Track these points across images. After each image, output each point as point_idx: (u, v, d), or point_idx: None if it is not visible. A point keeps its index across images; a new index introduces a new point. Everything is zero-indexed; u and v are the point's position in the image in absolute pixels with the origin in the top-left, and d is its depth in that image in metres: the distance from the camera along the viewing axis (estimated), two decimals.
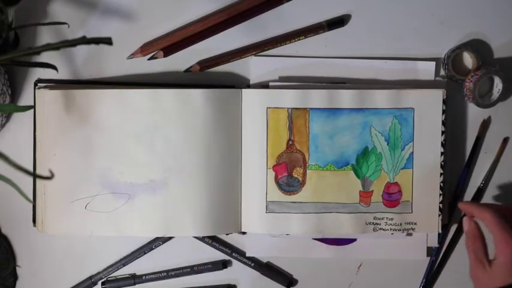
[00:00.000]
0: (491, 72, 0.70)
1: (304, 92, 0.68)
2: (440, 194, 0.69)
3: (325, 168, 0.69)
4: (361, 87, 0.69)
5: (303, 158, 0.69)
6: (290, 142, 0.69)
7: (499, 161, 0.72)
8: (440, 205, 0.69)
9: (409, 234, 0.70)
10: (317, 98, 0.68)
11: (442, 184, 0.69)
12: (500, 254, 0.61)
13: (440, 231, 0.70)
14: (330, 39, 0.71)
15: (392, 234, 0.70)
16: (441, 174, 0.69)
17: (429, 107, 0.68)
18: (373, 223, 0.69)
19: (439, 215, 0.69)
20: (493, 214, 0.62)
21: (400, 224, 0.69)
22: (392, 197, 0.69)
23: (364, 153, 0.69)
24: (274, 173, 0.69)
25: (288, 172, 0.69)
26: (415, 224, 0.69)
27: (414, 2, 0.71)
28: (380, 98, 0.69)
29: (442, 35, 0.71)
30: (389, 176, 0.69)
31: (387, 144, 0.69)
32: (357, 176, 0.69)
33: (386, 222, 0.69)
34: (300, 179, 0.69)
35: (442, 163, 0.69)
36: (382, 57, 0.71)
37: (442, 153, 0.69)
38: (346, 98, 0.68)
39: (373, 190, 0.69)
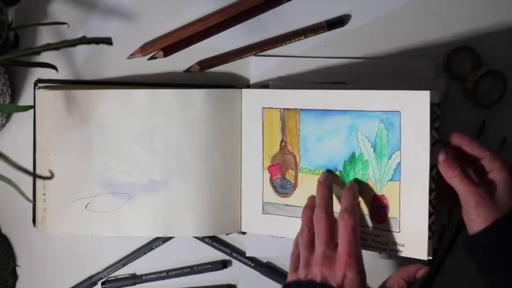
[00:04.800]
0: (491, 72, 0.70)
1: (294, 92, 0.66)
2: (432, 214, 0.59)
3: (314, 173, 0.65)
4: (352, 88, 0.65)
5: (295, 160, 0.67)
6: (283, 143, 0.67)
7: None
8: (432, 225, 0.60)
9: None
10: (307, 98, 0.65)
11: (434, 201, 0.60)
12: (497, 174, 0.59)
13: (430, 256, 0.60)
14: (330, 39, 0.71)
15: (380, 254, 0.64)
16: (433, 190, 0.60)
17: (415, 111, 0.59)
18: (361, 238, 0.62)
19: (430, 238, 0.59)
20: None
21: (387, 244, 0.62)
22: (380, 210, 0.62)
23: (351, 160, 0.63)
24: (269, 174, 0.68)
25: (282, 174, 0.68)
26: (403, 245, 0.61)
27: (414, 2, 0.71)
28: (365, 99, 0.62)
29: (442, 35, 0.71)
30: (377, 187, 0.62)
31: (374, 152, 0.62)
32: (344, 183, 0.63)
33: (373, 239, 0.62)
34: (292, 181, 0.67)
35: (435, 176, 0.60)
36: (382, 57, 0.71)
37: (434, 166, 0.60)
38: (332, 98, 0.64)
39: (360, 200, 0.63)
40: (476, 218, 0.58)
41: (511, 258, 0.57)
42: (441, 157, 0.59)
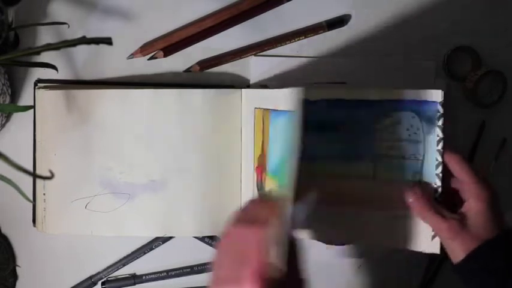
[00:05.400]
0: (491, 72, 0.70)
1: (268, 92, 0.66)
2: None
3: (272, 177, 0.65)
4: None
5: (265, 162, 0.66)
6: (263, 144, 0.67)
7: (498, 162, 0.72)
8: None
9: None
10: (279, 97, 0.64)
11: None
12: (473, 204, 0.59)
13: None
14: (330, 39, 0.71)
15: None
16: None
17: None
18: None
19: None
20: (463, 157, 0.60)
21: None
22: None
23: (283, 162, 0.62)
24: (256, 175, 0.68)
25: (261, 176, 0.67)
26: None
27: (414, 2, 0.71)
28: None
29: (442, 35, 0.71)
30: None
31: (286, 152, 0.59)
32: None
33: None
34: (264, 185, 0.66)
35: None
36: (382, 58, 0.71)
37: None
38: (286, 98, 0.62)
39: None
40: (453, 250, 0.59)
41: (494, 286, 0.57)
42: (411, 197, 0.60)
